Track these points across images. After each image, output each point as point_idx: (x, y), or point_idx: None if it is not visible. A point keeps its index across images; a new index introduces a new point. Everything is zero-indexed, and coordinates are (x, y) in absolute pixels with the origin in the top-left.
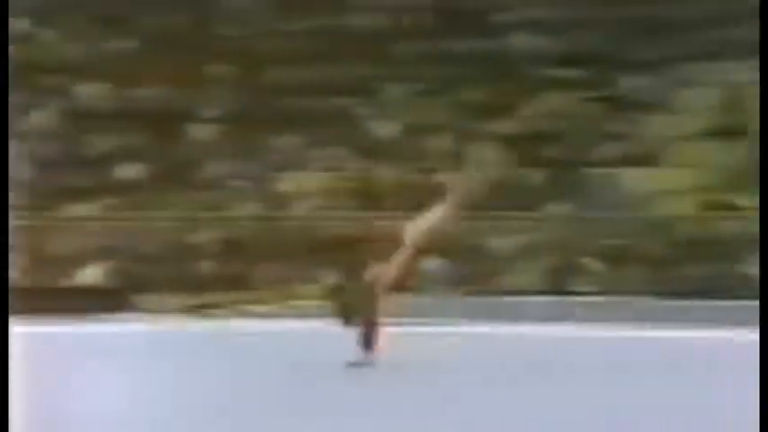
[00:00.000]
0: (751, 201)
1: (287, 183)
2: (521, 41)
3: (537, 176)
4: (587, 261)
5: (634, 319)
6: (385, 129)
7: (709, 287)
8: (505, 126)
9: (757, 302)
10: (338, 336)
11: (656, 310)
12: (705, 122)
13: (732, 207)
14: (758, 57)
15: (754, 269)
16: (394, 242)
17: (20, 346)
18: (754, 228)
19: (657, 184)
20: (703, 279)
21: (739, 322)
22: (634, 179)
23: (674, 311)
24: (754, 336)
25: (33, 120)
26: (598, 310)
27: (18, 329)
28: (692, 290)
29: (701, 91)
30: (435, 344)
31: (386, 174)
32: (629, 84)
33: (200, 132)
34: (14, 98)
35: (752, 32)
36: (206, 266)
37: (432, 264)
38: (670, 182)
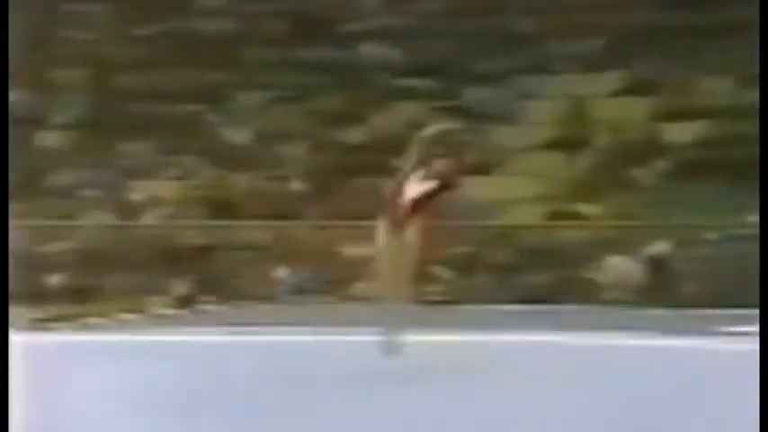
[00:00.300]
0: (593, 209)
1: (138, 191)
2: (371, 51)
3: (387, 185)
4: (436, 269)
5: (481, 326)
6: (237, 136)
7: (553, 293)
8: (356, 134)
9: (601, 307)
10: (185, 346)
11: (503, 316)
12: (548, 133)
13: (575, 216)
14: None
15: (597, 275)
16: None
17: None
18: (596, 235)
19: (503, 194)
20: (548, 286)
21: (583, 326)
22: (480, 188)
23: (520, 317)
24: (599, 340)
25: None
26: (447, 317)
27: None
28: (537, 296)
29: (544, 103)
30: (285, 352)
31: (239, 181)
32: (474, 95)
33: (49, 139)
34: None
35: (592, 46)
36: (55, 278)
37: (286, 272)
38: (515, 191)
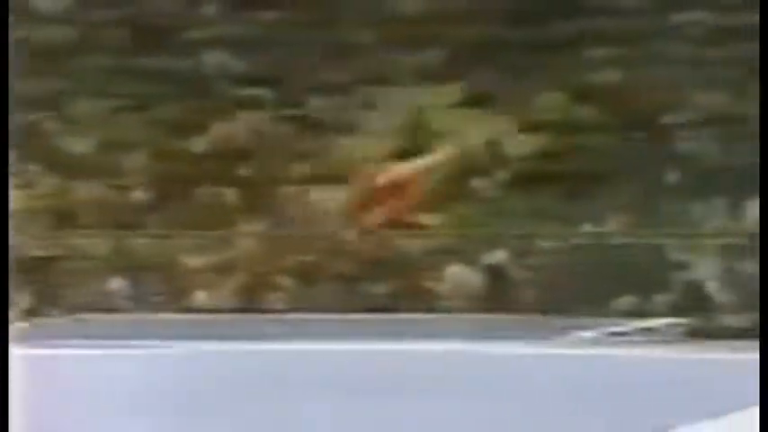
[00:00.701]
0: (434, 219)
1: None
2: (213, 59)
3: (230, 194)
4: (279, 278)
5: (325, 335)
6: (78, 145)
7: (395, 302)
8: (199, 143)
9: (440, 316)
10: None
11: (347, 325)
12: (390, 144)
13: (416, 226)
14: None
15: (437, 284)
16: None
17: None
18: (437, 245)
19: (346, 204)
20: (389, 295)
21: (424, 335)
22: (324, 198)
23: (364, 326)
24: (437, 346)
25: None
26: (289, 327)
27: None
28: (378, 305)
29: (386, 114)
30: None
31: (80, 191)
32: (317, 104)
33: None
34: None
35: (432, 58)
36: None
37: (121, 282)
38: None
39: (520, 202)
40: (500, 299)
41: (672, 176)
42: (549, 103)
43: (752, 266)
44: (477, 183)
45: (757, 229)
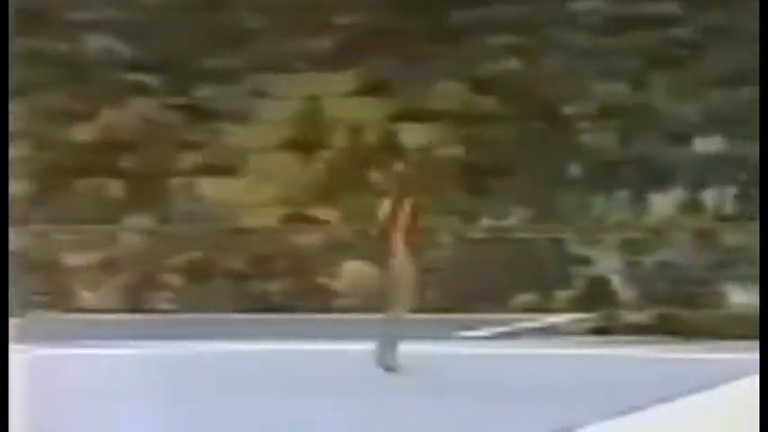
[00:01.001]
0: (329, 213)
1: None
2: (96, 43)
3: (115, 187)
4: (167, 276)
5: (215, 335)
6: None
7: (289, 300)
8: (84, 132)
9: (339, 316)
10: None
11: (238, 324)
12: (282, 134)
13: (311, 220)
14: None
15: (333, 281)
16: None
17: None
18: (333, 240)
19: (238, 196)
20: (283, 293)
21: (320, 335)
22: (214, 190)
23: (256, 326)
24: (320, 346)
25: None
26: (178, 327)
27: None
28: (273, 304)
29: (278, 102)
30: None
31: None
32: (205, 92)
33: None
34: None
35: (326, 45)
36: None
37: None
38: (250, 193)
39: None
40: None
41: (573, 169)
42: (447, 92)
43: (654, 261)
44: (374, 174)
45: (660, 223)
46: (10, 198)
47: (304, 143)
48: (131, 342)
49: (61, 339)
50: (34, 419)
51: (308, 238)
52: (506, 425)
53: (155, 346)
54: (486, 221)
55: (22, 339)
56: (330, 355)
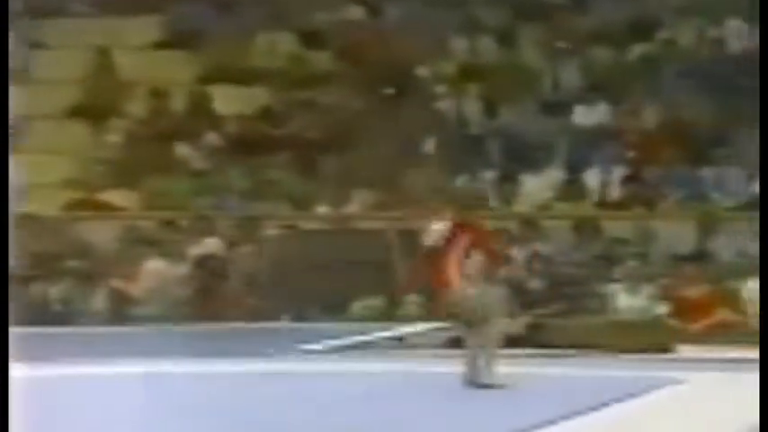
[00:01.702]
0: (126, 198)
1: None
2: None
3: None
4: None
5: None
6: None
7: (72, 310)
8: None
9: (134, 329)
10: None
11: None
12: (68, 96)
13: (103, 206)
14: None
15: (129, 285)
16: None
17: None
18: (130, 232)
19: (12, 176)
20: (59, 299)
21: (112, 353)
22: None
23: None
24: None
25: None
26: None
27: None
28: (54, 315)
29: (60, 55)
30: None
31: None
32: None
33: None
34: None
35: None
36: None
37: None
38: (26, 173)
39: (237, 176)
40: (212, 303)
41: (427, 143)
42: (272, 47)
43: (525, 256)
44: (180, 149)
45: (533, 210)
46: None
47: (92, 109)
48: None
49: None
50: None
51: (99, 229)
52: None
53: None
54: (321, 208)
55: None
56: (125, 377)
